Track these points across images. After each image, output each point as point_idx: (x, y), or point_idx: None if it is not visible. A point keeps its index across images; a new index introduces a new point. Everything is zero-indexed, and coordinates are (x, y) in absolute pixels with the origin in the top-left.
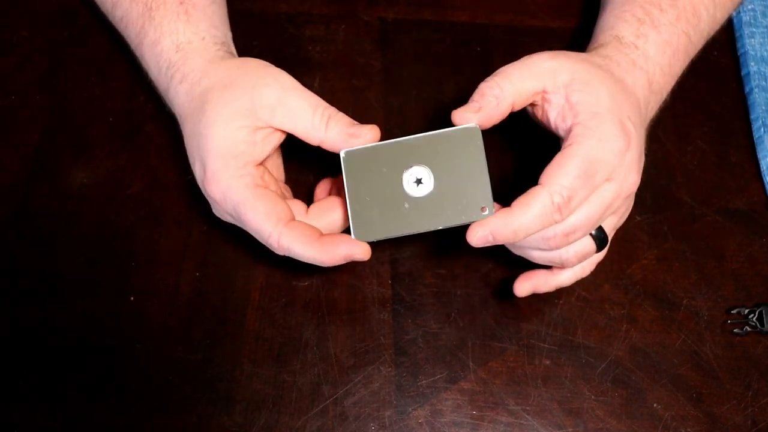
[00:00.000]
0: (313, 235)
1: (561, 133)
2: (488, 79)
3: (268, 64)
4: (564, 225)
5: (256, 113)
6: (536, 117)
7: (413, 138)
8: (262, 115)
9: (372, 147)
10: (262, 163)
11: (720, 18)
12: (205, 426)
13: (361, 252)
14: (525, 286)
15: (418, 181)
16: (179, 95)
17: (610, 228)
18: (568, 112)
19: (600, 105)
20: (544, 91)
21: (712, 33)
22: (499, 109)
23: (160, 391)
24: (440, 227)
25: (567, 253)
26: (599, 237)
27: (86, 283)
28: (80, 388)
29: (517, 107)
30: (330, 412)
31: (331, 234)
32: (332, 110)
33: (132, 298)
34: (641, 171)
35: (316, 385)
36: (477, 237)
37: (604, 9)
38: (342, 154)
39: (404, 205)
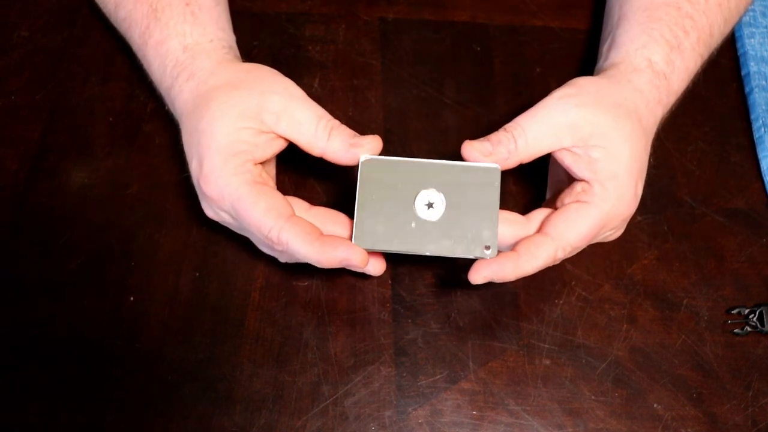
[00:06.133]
0: (313, 233)
1: (572, 175)
2: (508, 127)
3: (277, 72)
4: None
5: (261, 117)
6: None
7: (433, 163)
8: (267, 120)
9: (391, 160)
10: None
11: (726, 32)
12: (205, 426)
13: (358, 258)
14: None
15: (430, 205)
16: (183, 92)
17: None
18: (586, 165)
19: (620, 166)
20: (562, 148)
21: (717, 47)
22: (508, 163)
23: (160, 391)
24: (441, 255)
25: None
26: None
27: (86, 283)
28: (80, 388)
29: (528, 161)
30: (330, 412)
31: (331, 235)
32: (335, 122)
33: (132, 298)
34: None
35: (316, 385)
36: (482, 277)
37: (625, 17)
38: (361, 159)
39: (411, 224)
